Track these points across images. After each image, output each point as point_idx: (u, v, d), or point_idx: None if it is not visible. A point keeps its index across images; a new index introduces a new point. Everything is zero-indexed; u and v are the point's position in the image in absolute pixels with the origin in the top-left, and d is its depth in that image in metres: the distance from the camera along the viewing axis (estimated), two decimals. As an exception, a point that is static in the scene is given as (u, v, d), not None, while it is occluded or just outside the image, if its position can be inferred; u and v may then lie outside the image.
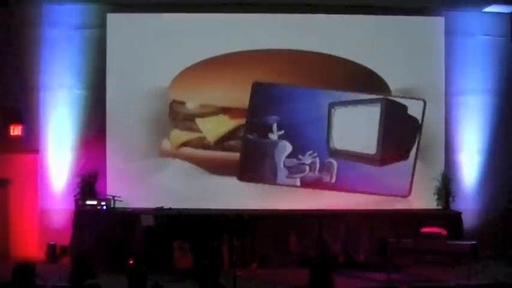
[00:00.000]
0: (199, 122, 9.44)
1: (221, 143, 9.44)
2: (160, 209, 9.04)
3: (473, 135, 9.81)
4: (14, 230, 9.40)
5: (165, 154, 9.58)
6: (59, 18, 9.59)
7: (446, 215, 9.25)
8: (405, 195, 9.56)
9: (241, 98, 9.29)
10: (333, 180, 9.53)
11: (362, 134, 9.43)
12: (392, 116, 9.54)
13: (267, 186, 9.56)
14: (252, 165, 9.60)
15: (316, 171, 9.53)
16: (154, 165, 9.54)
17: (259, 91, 9.31)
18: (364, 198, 9.45)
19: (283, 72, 9.50)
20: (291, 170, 9.54)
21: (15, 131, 9.56)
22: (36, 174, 9.55)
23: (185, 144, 9.50)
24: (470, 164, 9.80)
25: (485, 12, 9.76)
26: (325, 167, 9.52)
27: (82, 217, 9.02)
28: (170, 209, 9.03)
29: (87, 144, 9.55)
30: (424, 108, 9.54)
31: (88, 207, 9.04)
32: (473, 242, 8.10)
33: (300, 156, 9.52)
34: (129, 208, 9.19)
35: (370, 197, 9.47)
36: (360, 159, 9.42)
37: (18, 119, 9.57)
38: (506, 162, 9.74)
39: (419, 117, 9.58)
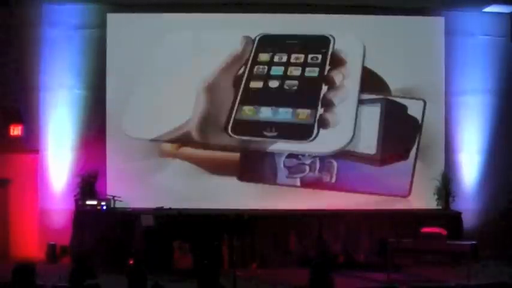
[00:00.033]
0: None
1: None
2: (160, 209, 9.04)
3: (473, 135, 9.81)
4: (14, 230, 9.40)
5: (165, 154, 9.58)
6: (59, 18, 9.59)
7: (446, 215, 9.24)
8: (405, 195, 9.56)
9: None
10: (333, 180, 9.53)
11: (362, 134, 9.44)
12: (392, 116, 9.55)
13: (267, 186, 9.57)
14: (252, 165, 9.61)
15: (316, 171, 9.53)
16: (154, 165, 9.54)
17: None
18: (364, 198, 9.45)
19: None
20: (291, 170, 9.55)
21: (15, 131, 9.56)
22: (36, 174, 9.55)
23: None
24: (470, 164, 9.80)
25: (485, 12, 9.76)
26: (325, 167, 9.53)
27: (82, 217, 9.02)
28: (170, 209, 9.02)
29: (87, 144, 9.55)
30: (424, 108, 9.56)
31: (88, 207, 9.04)
32: (473, 242, 8.10)
33: (300, 156, 9.53)
34: (129, 208, 9.19)
35: (370, 197, 9.47)
36: (360, 159, 9.43)
37: (18, 119, 9.57)
38: (506, 162, 9.74)
39: (419, 117, 9.59)
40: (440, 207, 9.48)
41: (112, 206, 9.12)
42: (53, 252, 9.15)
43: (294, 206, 9.35)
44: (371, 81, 9.58)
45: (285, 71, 9.53)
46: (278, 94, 9.49)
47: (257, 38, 9.62)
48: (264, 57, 9.61)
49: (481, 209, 9.64)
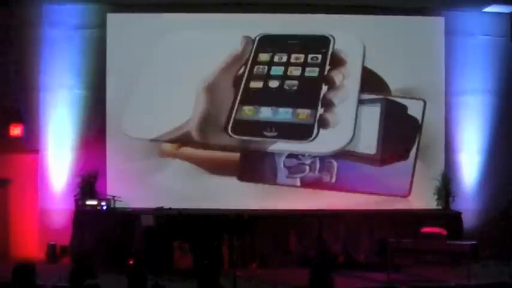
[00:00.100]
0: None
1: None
2: (160, 209, 9.03)
3: (473, 135, 9.81)
4: (14, 230, 9.40)
5: (165, 154, 9.58)
6: (59, 18, 9.59)
7: (446, 215, 9.24)
8: (405, 195, 9.56)
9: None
10: (333, 180, 9.53)
11: (362, 134, 9.44)
12: (392, 116, 9.55)
13: (267, 186, 9.57)
14: (252, 165, 9.61)
15: (316, 171, 9.53)
16: (154, 165, 9.54)
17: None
18: (364, 198, 9.45)
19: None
20: (291, 170, 9.55)
21: (15, 131, 9.56)
22: (36, 174, 9.55)
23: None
24: (470, 164, 9.80)
25: (485, 12, 9.76)
26: (325, 167, 9.53)
27: (82, 217, 9.02)
28: (170, 209, 9.02)
29: (87, 144, 9.55)
30: (424, 108, 9.57)
31: (88, 207, 9.04)
32: (473, 242, 8.10)
33: (300, 156, 9.53)
34: (129, 208, 9.19)
35: (370, 197, 9.47)
36: (360, 159, 9.43)
37: (18, 119, 9.57)
38: (506, 162, 9.74)
39: (419, 117, 9.59)
40: (440, 207, 9.48)
41: (112, 206, 9.12)
42: (53, 252, 9.15)
43: (294, 206, 9.35)
44: (371, 81, 9.58)
45: (285, 71, 9.53)
46: (278, 94, 9.49)
47: (257, 38, 9.62)
48: (264, 57, 9.61)
49: (481, 209, 9.64)
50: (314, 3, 9.59)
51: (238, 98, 9.50)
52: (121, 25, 9.71)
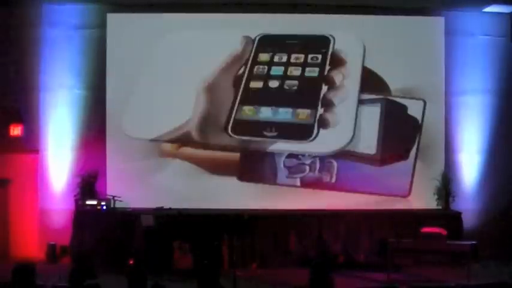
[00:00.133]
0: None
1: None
2: (160, 209, 9.03)
3: (473, 135, 9.81)
4: (14, 230, 9.40)
5: (165, 154, 9.58)
6: (59, 18, 9.59)
7: (446, 215, 9.24)
8: (405, 195, 9.56)
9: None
10: (333, 180, 9.53)
11: (362, 134, 9.44)
12: (392, 116, 9.55)
13: (267, 186, 9.57)
14: (252, 165, 9.61)
15: (316, 171, 9.53)
16: (154, 165, 9.54)
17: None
18: (364, 198, 9.45)
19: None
20: (291, 170, 9.55)
21: (15, 131, 9.56)
22: (36, 174, 9.55)
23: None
24: (470, 164, 9.80)
25: (485, 12, 9.76)
26: (325, 167, 9.53)
27: (82, 217, 9.02)
28: (170, 209, 9.02)
29: (87, 144, 9.55)
30: (424, 108, 9.57)
31: (88, 207, 9.04)
32: (473, 242, 8.10)
33: (300, 156, 9.53)
34: (129, 208, 9.19)
35: (370, 197, 9.47)
36: (360, 159, 9.43)
37: (18, 119, 9.57)
38: (506, 162, 9.74)
39: (419, 117, 9.60)
40: (440, 207, 9.48)
41: (112, 206, 9.12)
42: (53, 252, 9.15)
43: (294, 206, 9.35)
44: (371, 81, 9.58)
45: (285, 71, 9.53)
46: (278, 94, 9.50)
47: (257, 38, 9.62)
48: (264, 57, 9.61)
49: (481, 209, 9.64)
50: (314, 3, 9.59)
51: (238, 98, 9.50)
52: (121, 25, 9.71)
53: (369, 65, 9.59)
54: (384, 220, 9.07)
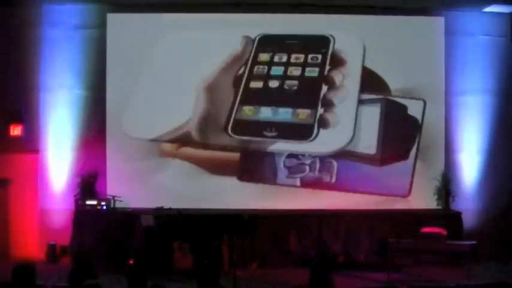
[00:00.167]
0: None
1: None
2: (160, 209, 9.03)
3: (473, 135, 9.81)
4: (14, 230, 9.40)
5: (165, 154, 9.58)
6: (59, 18, 9.59)
7: (446, 215, 9.24)
8: (405, 195, 9.56)
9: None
10: (333, 180, 9.53)
11: (362, 134, 9.44)
12: (392, 116, 9.55)
13: (267, 186, 9.57)
14: (252, 165, 9.61)
15: (316, 171, 9.53)
16: (154, 165, 9.54)
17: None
18: (364, 198, 9.45)
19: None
20: (291, 170, 9.55)
21: (15, 131, 9.57)
22: (36, 174, 9.55)
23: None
24: (470, 164, 9.80)
25: (485, 12, 9.76)
26: (325, 167, 9.53)
27: (82, 217, 9.02)
28: (170, 209, 9.02)
29: (87, 144, 9.55)
30: (424, 108, 9.57)
31: (88, 207, 9.04)
32: (473, 242, 8.10)
33: (300, 156, 9.53)
34: (129, 208, 9.19)
35: (370, 197, 9.47)
36: (360, 159, 9.43)
37: (18, 119, 9.57)
38: (506, 162, 9.74)
39: (419, 117, 9.60)
40: (440, 207, 9.48)
41: (112, 206, 9.12)
42: (53, 252, 9.15)
43: (294, 206, 9.35)
44: (371, 81, 9.58)
45: (285, 71, 9.53)
46: (278, 94, 9.50)
47: (257, 38, 9.62)
48: (264, 57, 9.61)
49: (481, 209, 9.64)
50: (314, 3, 9.59)
51: (238, 98, 9.50)
52: (121, 25, 9.71)
53: (369, 65, 9.59)
54: (384, 220, 9.07)
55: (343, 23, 9.73)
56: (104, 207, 9.04)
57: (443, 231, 8.27)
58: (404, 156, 9.58)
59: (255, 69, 9.58)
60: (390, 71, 9.65)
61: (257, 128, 9.47)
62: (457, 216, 9.21)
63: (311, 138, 9.34)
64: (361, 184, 9.46)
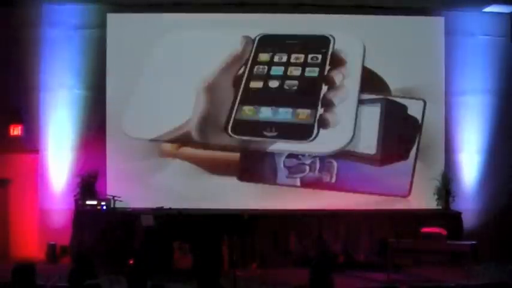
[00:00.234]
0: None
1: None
2: (160, 209, 9.03)
3: (473, 135, 9.81)
4: (14, 230, 9.40)
5: (165, 154, 9.58)
6: (59, 18, 9.59)
7: (446, 215, 9.24)
8: (405, 195, 9.56)
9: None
10: (333, 180, 9.53)
11: (362, 134, 9.44)
12: (392, 116, 9.55)
13: (267, 186, 9.57)
14: (252, 165, 9.61)
15: (316, 171, 9.53)
16: (154, 165, 9.54)
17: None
18: (364, 198, 9.45)
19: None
20: (291, 170, 9.55)
21: (15, 131, 9.57)
22: (36, 174, 9.55)
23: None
24: (470, 164, 9.80)
25: (485, 12, 9.76)
26: (325, 167, 9.53)
27: (82, 217, 9.02)
28: (170, 209, 9.02)
29: (87, 144, 9.55)
30: (424, 108, 9.57)
31: (88, 207, 9.04)
32: (473, 242, 8.10)
33: (300, 156, 9.53)
34: (129, 208, 9.19)
35: (370, 197, 9.47)
36: (360, 159, 9.43)
37: (18, 119, 9.57)
38: (506, 162, 9.73)
39: (419, 117, 9.60)
40: (440, 207, 9.48)
41: (112, 206, 9.12)
42: (53, 252, 9.14)
43: (294, 206, 9.35)
44: (371, 81, 9.58)
45: (285, 71, 9.53)
46: (278, 94, 9.50)
47: (257, 38, 9.62)
48: (264, 57, 9.61)
49: (481, 209, 9.64)
50: (314, 3, 9.59)
51: (238, 98, 9.50)
52: (121, 25, 9.71)
53: (369, 65, 9.59)
54: (384, 220, 9.07)
55: (343, 23, 9.73)
56: (104, 207, 9.04)
57: (443, 231, 8.27)
58: (404, 156, 9.58)
59: (255, 69, 9.58)
60: (390, 71, 9.65)
61: (257, 128, 9.47)
62: (457, 216, 9.21)
63: (311, 138, 9.34)
64: (361, 184, 9.46)
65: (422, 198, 9.50)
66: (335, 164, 9.50)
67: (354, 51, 9.54)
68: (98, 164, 9.42)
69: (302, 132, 9.37)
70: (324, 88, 9.43)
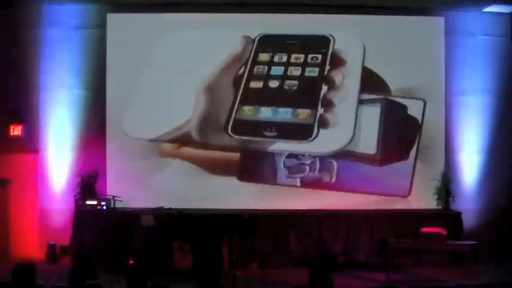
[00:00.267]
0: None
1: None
2: (160, 209, 9.03)
3: (473, 135, 9.81)
4: (14, 230, 9.40)
5: (165, 154, 9.58)
6: (59, 18, 9.59)
7: (446, 215, 9.24)
8: (405, 195, 9.56)
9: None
10: (333, 180, 9.53)
11: (362, 134, 9.44)
12: (392, 116, 9.55)
13: (267, 186, 9.57)
14: (252, 165, 9.61)
15: (316, 171, 9.53)
16: (154, 165, 9.54)
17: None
18: (364, 198, 9.45)
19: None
20: (291, 170, 9.55)
21: (15, 131, 9.58)
22: (36, 174, 9.55)
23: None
24: (470, 164, 9.80)
25: (485, 12, 9.76)
26: (325, 167, 9.53)
27: (82, 217, 9.02)
28: (170, 209, 9.02)
29: (87, 144, 9.55)
30: (424, 108, 9.57)
31: (88, 207, 9.04)
32: (473, 242, 8.09)
33: (300, 156, 9.53)
34: (129, 208, 9.19)
35: (370, 197, 9.47)
36: (360, 159, 9.43)
37: (18, 119, 9.57)
38: (506, 162, 9.73)
39: (419, 117, 9.60)
40: (440, 207, 9.48)
41: (112, 206, 9.12)
42: (53, 252, 9.15)
43: (294, 206, 9.35)
44: (371, 81, 9.58)
45: (285, 71, 9.53)
46: (278, 94, 9.50)
47: (257, 38, 9.62)
48: (264, 57, 9.62)
49: (481, 209, 9.64)
50: (314, 3, 9.59)
51: (238, 98, 9.50)
52: (121, 25, 9.71)
53: (369, 65, 9.59)
54: (384, 220, 9.07)
55: (343, 23, 9.73)
56: (104, 207, 9.05)
57: (443, 231, 8.27)
58: (404, 156, 9.58)
59: (255, 69, 9.58)
60: (390, 71, 9.65)
61: (257, 128, 9.47)
62: (457, 216, 9.21)
63: (311, 138, 9.34)
64: (361, 184, 9.46)
65: (422, 198, 9.50)
66: (335, 164, 9.50)
67: (354, 51, 9.54)
68: (98, 164, 9.43)
69: (302, 132, 9.37)
70: (324, 88, 9.43)
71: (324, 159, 9.51)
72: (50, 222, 9.40)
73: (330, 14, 9.70)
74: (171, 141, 9.54)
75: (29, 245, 9.26)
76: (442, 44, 9.77)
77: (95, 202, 9.06)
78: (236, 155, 9.56)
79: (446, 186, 9.47)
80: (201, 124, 9.53)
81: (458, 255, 8.27)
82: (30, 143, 9.56)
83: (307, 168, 9.53)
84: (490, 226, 9.47)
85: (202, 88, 9.53)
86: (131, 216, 8.88)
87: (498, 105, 9.85)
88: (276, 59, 9.59)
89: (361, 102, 9.50)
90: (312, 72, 9.50)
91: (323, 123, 9.36)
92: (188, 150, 9.57)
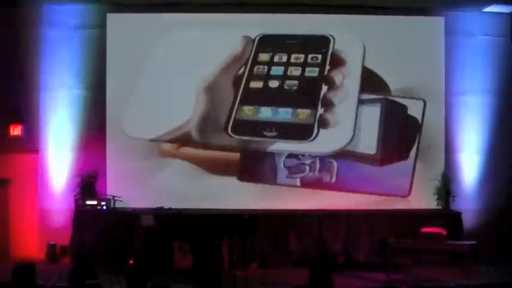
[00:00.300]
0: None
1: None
2: (160, 209, 9.03)
3: (473, 135, 9.81)
4: (14, 230, 9.40)
5: (165, 154, 9.58)
6: (59, 18, 9.59)
7: (446, 215, 9.24)
8: (405, 195, 9.56)
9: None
10: (333, 180, 9.54)
11: (362, 134, 9.44)
12: (392, 116, 9.55)
13: (267, 186, 9.57)
14: (252, 165, 9.61)
15: (316, 171, 9.53)
16: (154, 165, 9.54)
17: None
18: (364, 198, 9.45)
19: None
20: (291, 170, 9.55)
21: (15, 131, 9.58)
22: (36, 174, 9.55)
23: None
24: (470, 164, 9.80)
25: (485, 12, 9.76)
26: (325, 167, 9.53)
27: (82, 217, 9.03)
28: (170, 209, 9.02)
29: (87, 144, 9.55)
30: (424, 108, 9.57)
31: (88, 207, 9.04)
32: (473, 242, 8.09)
33: (300, 156, 9.53)
34: (129, 208, 9.19)
35: (370, 197, 9.47)
36: (360, 159, 9.43)
37: (18, 119, 9.57)
38: (506, 162, 9.73)
39: (419, 117, 9.60)
40: (440, 207, 9.48)
41: (112, 206, 9.12)
42: (53, 252, 9.15)
43: (294, 206, 9.35)
44: (371, 81, 9.58)
45: (285, 71, 9.53)
46: (278, 94, 9.50)
47: (257, 38, 9.62)
48: (264, 57, 9.62)
49: (481, 209, 9.63)
50: (314, 3, 9.59)
51: (238, 98, 9.50)
52: (121, 25, 9.71)
53: (369, 65, 9.59)
54: (384, 220, 9.07)
55: (343, 23, 9.73)
56: (104, 207, 9.05)
57: (443, 231, 8.27)
58: (404, 156, 9.58)
59: (255, 69, 9.59)
60: (390, 71, 9.66)
61: (257, 128, 9.47)
62: (457, 216, 9.21)
63: (311, 138, 9.34)
64: (361, 184, 9.46)
65: (422, 198, 9.51)
66: (335, 164, 9.50)
67: (354, 51, 9.54)
68: (98, 164, 9.43)
69: (302, 132, 9.37)
70: (324, 88, 9.43)
71: (324, 159, 9.52)
72: (50, 222, 9.40)
73: (330, 14, 9.71)
74: (171, 141, 9.54)
75: (29, 245, 9.26)
76: (442, 44, 9.77)
77: (95, 202, 9.06)
78: (236, 155, 9.56)
79: (446, 186, 9.47)
80: (201, 124, 9.53)
81: (458, 255, 8.27)
82: (30, 143, 9.56)
83: (307, 168, 9.54)
84: (490, 226, 9.47)
85: (202, 88, 9.53)
86: (131, 216, 8.88)
87: (498, 105, 9.85)
88: (276, 59, 9.59)
89: (361, 102, 9.50)
90: (312, 72, 9.50)
91: (323, 123, 9.36)
92: (188, 150, 9.57)
